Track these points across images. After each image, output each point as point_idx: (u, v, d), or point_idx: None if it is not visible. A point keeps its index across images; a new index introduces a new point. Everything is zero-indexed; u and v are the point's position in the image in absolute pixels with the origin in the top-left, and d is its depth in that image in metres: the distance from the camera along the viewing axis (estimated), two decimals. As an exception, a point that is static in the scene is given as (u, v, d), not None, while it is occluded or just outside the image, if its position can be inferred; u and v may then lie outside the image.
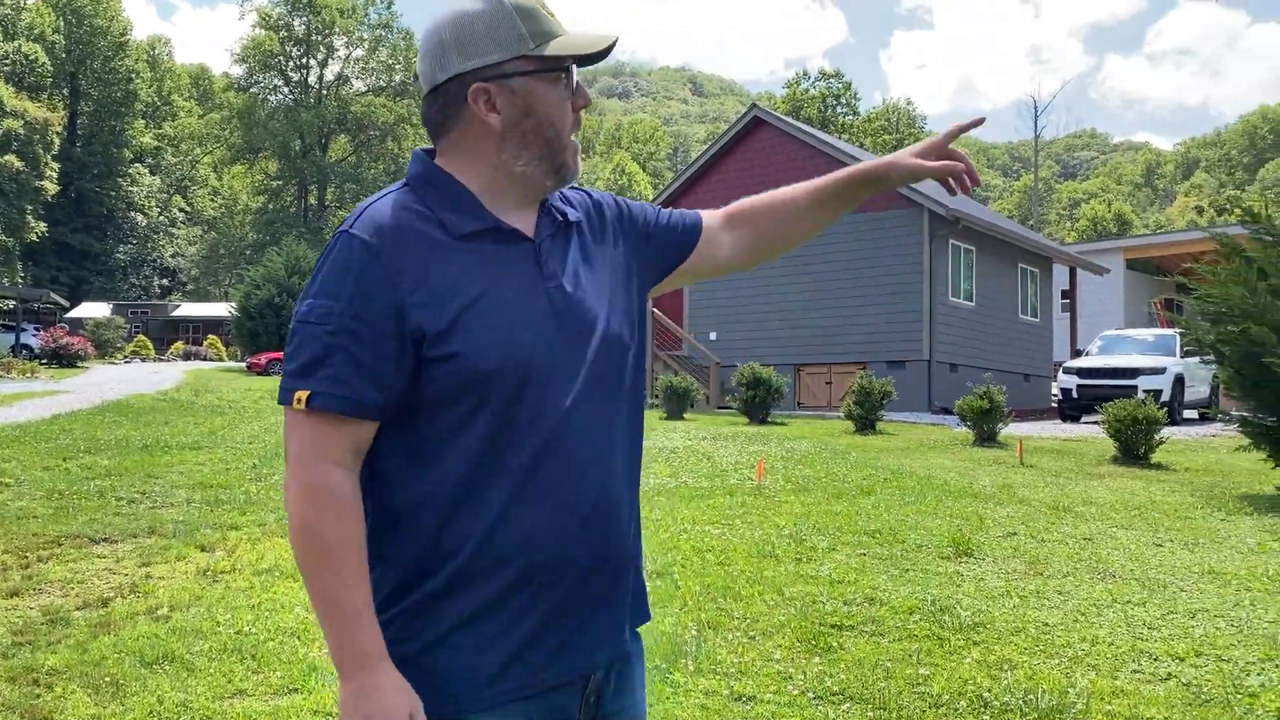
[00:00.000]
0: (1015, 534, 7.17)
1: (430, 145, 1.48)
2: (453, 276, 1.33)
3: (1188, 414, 18.45)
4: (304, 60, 65.50)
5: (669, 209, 1.68)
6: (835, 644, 4.58)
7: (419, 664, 1.32)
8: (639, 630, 1.55)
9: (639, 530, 1.52)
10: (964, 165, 1.60)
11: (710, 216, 1.70)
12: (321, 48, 65.44)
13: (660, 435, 13.53)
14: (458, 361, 1.30)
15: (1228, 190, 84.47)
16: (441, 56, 1.39)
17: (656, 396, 17.97)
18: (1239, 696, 3.98)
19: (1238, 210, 11.31)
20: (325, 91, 65.72)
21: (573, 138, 1.45)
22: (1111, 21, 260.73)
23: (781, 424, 16.22)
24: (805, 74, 67.27)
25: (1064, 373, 18.56)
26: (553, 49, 1.39)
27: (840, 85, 65.65)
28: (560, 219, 1.47)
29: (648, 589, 5.16)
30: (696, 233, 1.66)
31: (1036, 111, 67.64)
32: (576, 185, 1.54)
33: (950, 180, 1.60)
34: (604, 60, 1.46)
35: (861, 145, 54.74)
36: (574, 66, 1.43)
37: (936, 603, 5.21)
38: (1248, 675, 4.22)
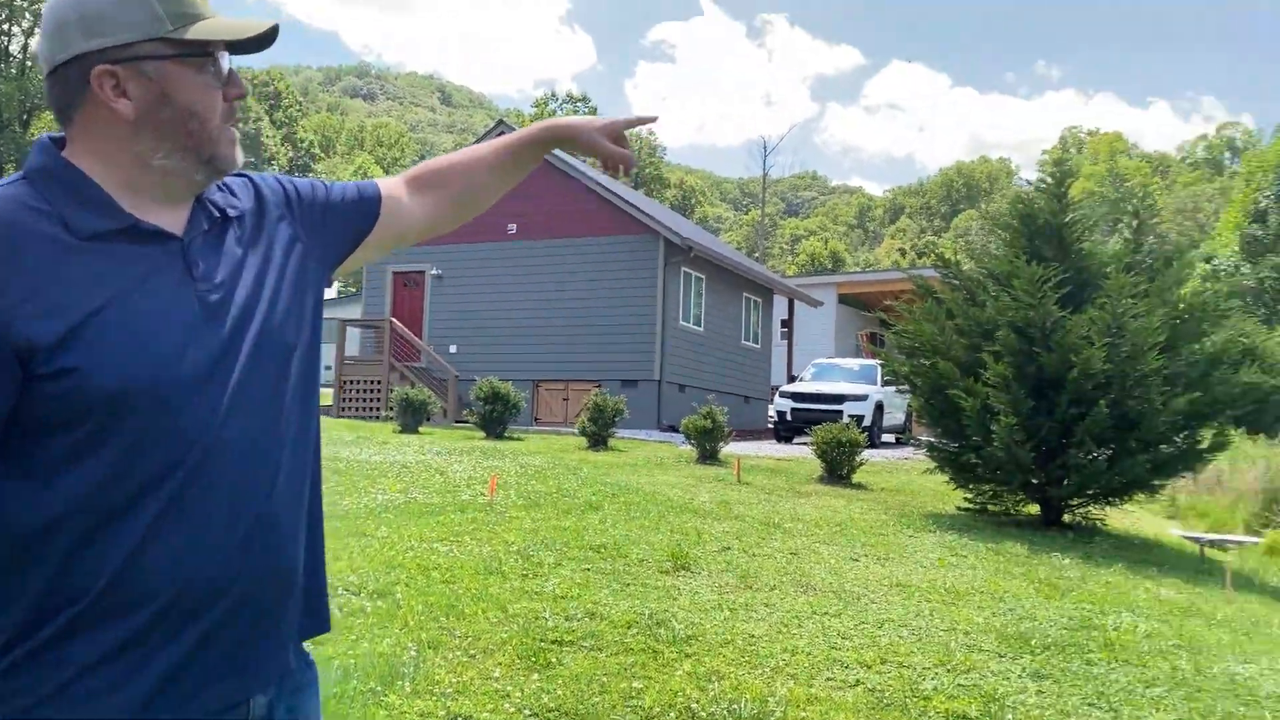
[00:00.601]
0: (730, 549, 7.56)
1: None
2: (75, 282, 1.20)
3: (886, 438, 20.18)
4: (5, 26, 58.96)
5: (345, 182, 1.60)
6: (555, 660, 4.64)
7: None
8: (314, 657, 1.48)
9: (319, 543, 1.45)
10: (630, 158, 1.69)
11: (391, 184, 1.63)
12: (28, 14, 59.17)
13: (393, 449, 13.21)
14: (75, 378, 1.17)
15: (927, 236, 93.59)
16: (61, 35, 1.25)
17: (391, 409, 17.52)
18: (915, 700, 4.39)
19: (933, 255, 12.57)
20: (30, 63, 59.47)
21: (230, 128, 1.35)
22: (834, 74, 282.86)
23: (518, 439, 16.27)
24: (553, 95, 68.40)
25: (780, 396, 19.81)
26: (196, 32, 1.28)
27: (587, 110, 67.10)
28: (218, 214, 1.36)
29: (368, 609, 4.96)
30: (376, 203, 1.58)
31: (765, 151, 72.39)
32: (239, 171, 1.43)
33: (614, 167, 1.70)
34: (265, 49, 1.37)
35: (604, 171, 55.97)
36: (224, 54, 1.33)
37: (653, 617, 5.40)
38: (923, 680, 4.67)
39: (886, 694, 4.44)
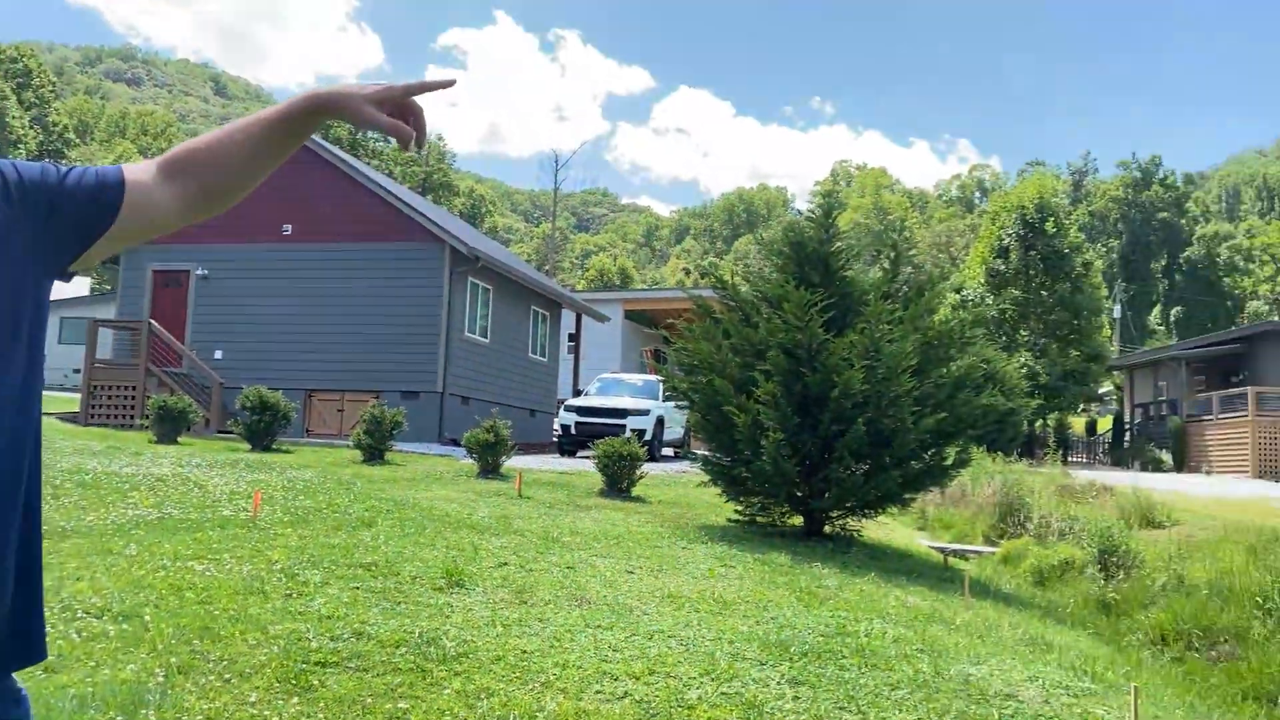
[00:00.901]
0: (506, 564, 7.51)
1: None
2: None
3: (666, 452, 20.67)
4: None
5: (84, 167, 1.45)
6: (318, 682, 4.46)
7: None
8: (47, 686, 1.38)
9: (35, 565, 1.35)
10: (416, 131, 1.50)
11: (140, 170, 1.47)
12: None
13: (146, 461, 12.33)
14: None
15: (710, 257, 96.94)
16: None
17: (146, 417, 16.36)
18: (680, 710, 4.51)
19: (713, 276, 13.03)
20: None
21: None
22: (625, 94, 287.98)
23: (288, 451, 15.55)
24: (339, 93, 65.99)
25: (565, 410, 19.94)
26: None
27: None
28: None
29: (111, 633, 4.59)
30: (118, 191, 1.42)
31: (557, 165, 72.20)
32: None
33: (404, 142, 1.50)
34: None
35: (390, 174, 54.69)
36: None
37: (424, 635, 5.29)
38: (689, 689, 4.80)
39: (653, 705, 4.54)
